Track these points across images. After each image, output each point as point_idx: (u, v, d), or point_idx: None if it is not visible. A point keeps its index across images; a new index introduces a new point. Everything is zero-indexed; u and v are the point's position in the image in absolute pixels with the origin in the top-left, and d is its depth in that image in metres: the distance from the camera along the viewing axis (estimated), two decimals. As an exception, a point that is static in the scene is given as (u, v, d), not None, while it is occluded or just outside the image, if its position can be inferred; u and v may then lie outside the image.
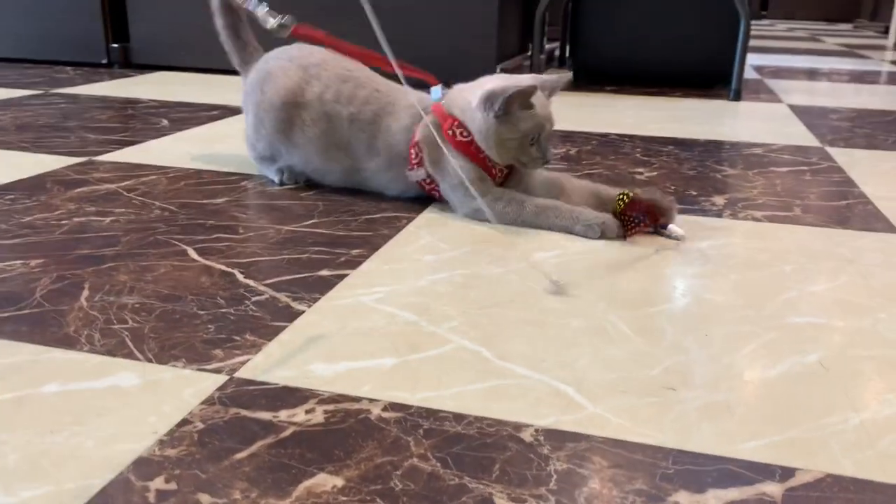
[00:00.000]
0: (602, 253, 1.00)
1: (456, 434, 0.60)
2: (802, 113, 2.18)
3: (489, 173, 1.12)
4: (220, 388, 0.65)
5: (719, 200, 1.27)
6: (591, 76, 2.70)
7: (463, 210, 1.13)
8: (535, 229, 1.09)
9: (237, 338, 0.74)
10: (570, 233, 1.07)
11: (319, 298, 0.84)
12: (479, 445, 0.59)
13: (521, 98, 1.05)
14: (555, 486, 0.54)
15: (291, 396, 0.64)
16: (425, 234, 1.06)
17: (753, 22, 7.53)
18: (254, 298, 0.83)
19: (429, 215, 1.14)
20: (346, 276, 0.90)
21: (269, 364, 0.70)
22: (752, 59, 3.72)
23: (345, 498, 0.52)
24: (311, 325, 0.78)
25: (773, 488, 0.54)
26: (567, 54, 2.80)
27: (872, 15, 6.94)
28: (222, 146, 1.55)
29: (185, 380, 0.67)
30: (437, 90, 1.16)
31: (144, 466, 0.55)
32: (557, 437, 0.60)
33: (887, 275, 0.96)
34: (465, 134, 1.11)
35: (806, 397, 0.67)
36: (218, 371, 0.68)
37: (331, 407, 0.63)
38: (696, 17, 2.48)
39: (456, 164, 1.07)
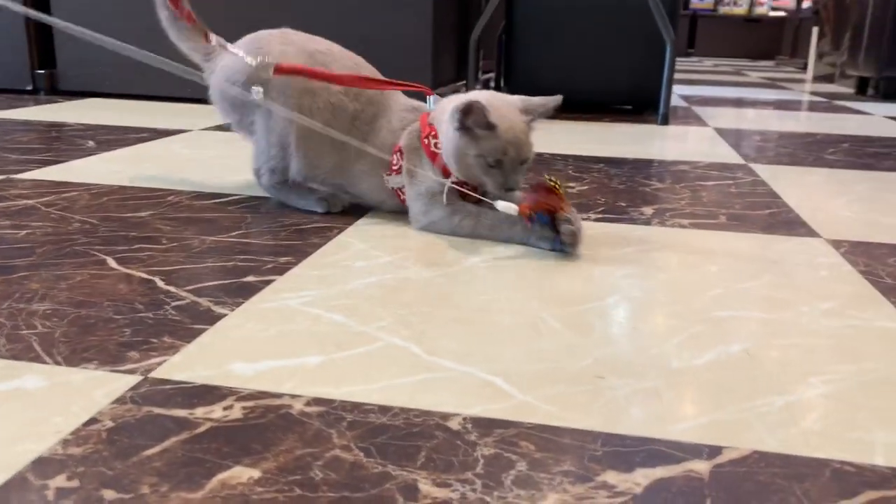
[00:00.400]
0: (533, 257, 1.00)
1: (381, 425, 0.58)
2: (728, 135, 2.25)
3: (459, 187, 1.09)
4: (134, 388, 0.62)
5: (648, 210, 1.29)
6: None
7: (419, 223, 1.10)
8: (477, 239, 1.08)
9: (154, 340, 0.71)
10: (527, 244, 1.05)
11: (243, 303, 0.81)
12: (404, 435, 0.57)
13: (474, 114, 1.00)
14: (481, 470, 0.53)
15: (209, 394, 0.62)
16: (357, 242, 1.05)
17: (681, 59, 7.80)
18: (174, 303, 0.80)
19: (362, 226, 1.13)
20: (272, 281, 0.88)
21: (186, 364, 0.67)
22: (681, 90, 3.85)
23: (261, 489, 0.50)
24: (233, 328, 0.75)
25: (701, 465, 0.54)
26: (502, 83, 2.84)
27: (792, 52, 7.27)
28: (151, 164, 1.51)
29: (96, 381, 0.63)
30: (431, 100, 1.14)
31: (45, 465, 0.51)
32: (485, 425, 0.58)
33: (810, 273, 0.98)
34: (439, 146, 1.08)
35: (732, 383, 0.67)
36: (132, 372, 0.65)
37: (250, 403, 0.61)
38: (624, 46, 2.55)
39: (427, 172, 1.06)
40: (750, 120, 2.69)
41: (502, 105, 1.06)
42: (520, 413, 0.60)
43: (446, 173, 1.09)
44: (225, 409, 0.60)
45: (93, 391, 0.61)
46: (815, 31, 5.21)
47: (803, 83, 4.72)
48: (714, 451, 0.56)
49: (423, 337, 0.74)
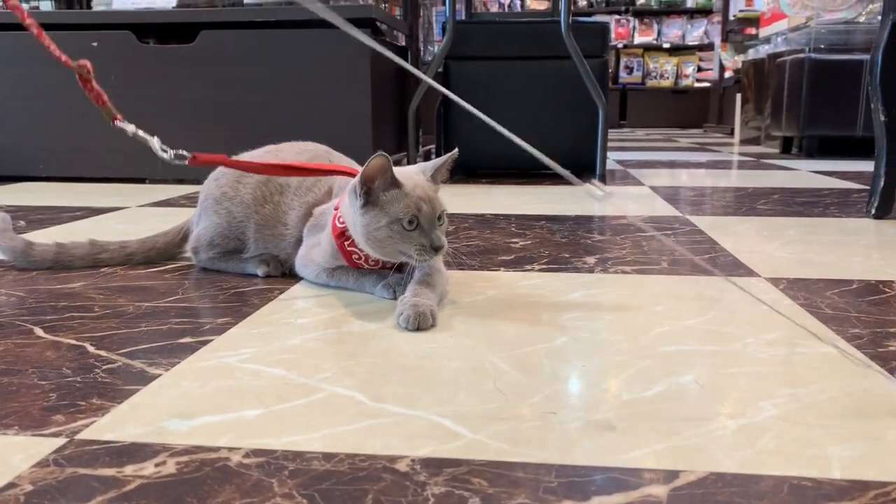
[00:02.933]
0: (480, 308, 0.99)
1: (325, 472, 0.55)
2: (663, 192, 2.31)
3: (349, 261, 1.06)
4: (58, 451, 0.58)
5: (590, 260, 1.30)
6: (467, 172, 2.79)
7: (300, 265, 1.12)
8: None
9: (82, 403, 0.67)
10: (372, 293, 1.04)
11: (179, 363, 0.78)
12: (350, 480, 0.54)
13: (378, 173, 0.94)
14: (432, 508, 0.50)
15: (140, 452, 0.58)
16: (299, 301, 1.02)
17: (614, 130, 8.08)
18: (105, 367, 0.76)
19: (304, 286, 1.10)
20: (210, 341, 0.85)
21: (116, 424, 0.63)
22: (616, 156, 3.96)
23: (195, 542, 0.46)
24: (167, 387, 0.71)
25: (659, 490, 0.52)
26: (443, 153, 2.88)
27: (718, 119, 7.59)
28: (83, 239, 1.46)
29: (15, 446, 0.59)
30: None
31: (-46, 534, 0.47)
32: (435, 465, 0.56)
33: (752, 308, 0.99)
34: (342, 220, 1.03)
35: (684, 410, 0.66)
36: (56, 435, 0.61)
37: (184, 458, 0.57)
38: (559, 114, 2.63)
39: (326, 240, 1.07)
40: (683, 179, 2.77)
41: (399, 169, 1.00)
42: (470, 451, 0.58)
43: (344, 252, 1.05)
44: (157, 465, 0.56)
45: (11, 456, 0.57)
46: (738, 98, 5.47)
47: (731, 146, 4.92)
48: (671, 475, 0.54)
49: (368, 385, 0.72)
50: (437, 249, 0.95)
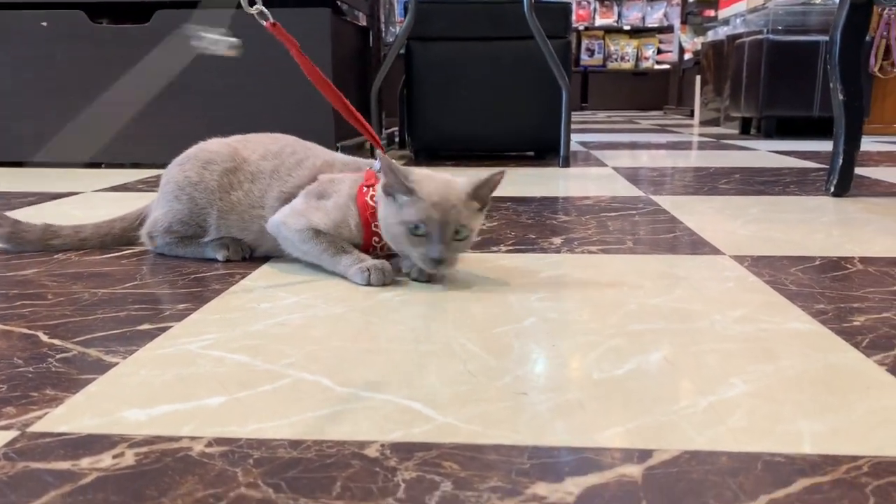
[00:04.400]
0: (448, 290, 0.98)
1: (291, 459, 0.53)
2: (626, 173, 2.31)
3: (367, 242, 1.04)
4: (8, 444, 0.55)
5: (556, 240, 1.29)
6: (430, 154, 2.76)
7: (279, 219, 1.06)
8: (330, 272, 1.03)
9: (34, 394, 0.64)
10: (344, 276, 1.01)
11: (137, 350, 0.75)
12: (318, 467, 0.52)
13: (390, 173, 0.95)
14: (403, 494, 0.48)
15: (96, 443, 0.55)
16: (261, 286, 1.00)
17: (576, 112, 8.11)
18: (59, 356, 0.73)
19: (266, 270, 1.08)
20: (169, 328, 0.82)
21: (71, 415, 0.60)
22: (579, 138, 3.97)
23: (156, 536, 0.44)
24: (125, 375, 0.69)
25: (633, 469, 0.52)
26: (406, 136, 2.85)
27: (678, 101, 7.66)
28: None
29: (-37, 441, 0.56)
30: (378, 155, 1.07)
31: None
32: (405, 449, 0.54)
33: (718, 286, 0.99)
34: (374, 198, 1.02)
35: (655, 389, 0.65)
36: (7, 428, 0.58)
37: (144, 449, 0.55)
38: (523, 96, 2.62)
39: (342, 209, 1.03)
40: (645, 160, 2.78)
41: (435, 175, 1.00)
42: (442, 434, 0.57)
43: (366, 227, 1.03)
44: (115, 457, 0.53)
45: (-41, 451, 0.54)
46: (698, 79, 5.52)
47: (691, 127, 4.96)
48: (644, 454, 0.54)
49: (335, 370, 0.70)
50: (438, 262, 0.94)
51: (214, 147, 1.16)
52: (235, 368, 0.70)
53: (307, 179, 1.10)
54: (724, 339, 0.78)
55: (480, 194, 0.99)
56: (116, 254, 1.17)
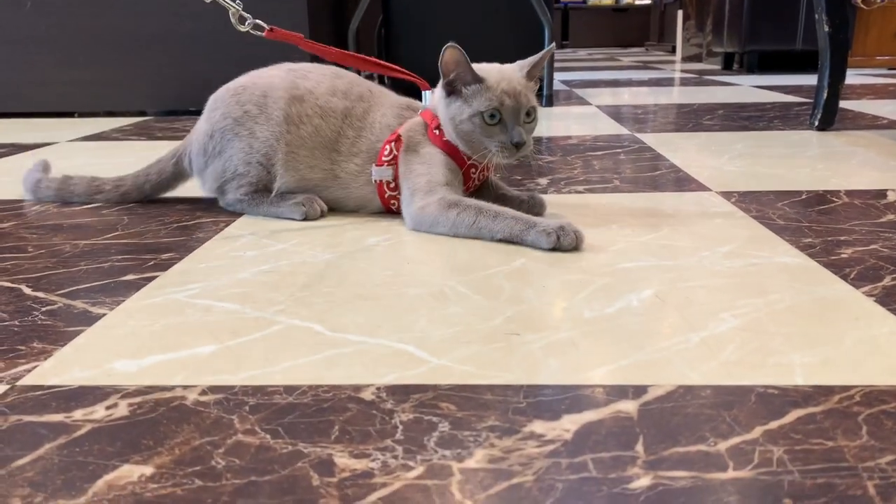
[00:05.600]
0: (437, 236, 0.97)
1: (288, 405, 0.53)
2: (609, 111, 2.29)
3: (466, 178, 1.01)
4: (0, 398, 0.55)
5: (543, 181, 1.28)
6: (410, 93, 2.72)
7: (413, 219, 0.97)
8: (469, 238, 0.93)
9: (22, 347, 0.63)
10: (522, 243, 0.90)
11: (123, 301, 0.74)
12: (314, 412, 0.52)
13: (451, 64, 0.93)
14: (401, 436, 0.49)
15: (89, 395, 0.55)
16: (247, 233, 0.98)
17: (558, 50, 8.00)
18: (44, 309, 0.72)
19: (251, 218, 1.06)
20: (155, 277, 0.81)
21: (61, 368, 0.59)
22: (561, 76, 3.92)
23: (155, 485, 0.44)
24: (113, 326, 0.68)
25: (629, 405, 0.52)
26: (385, 77, 2.80)
27: (660, 37, 7.57)
28: (11, 178, 1.38)
29: (-49, 396, 0.55)
30: (426, 95, 1.06)
31: None
32: (401, 392, 0.54)
33: (706, 222, 0.99)
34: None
35: (646, 325, 0.66)
36: (-4, 382, 0.57)
37: (137, 399, 0.54)
38: (504, 33, 2.57)
39: (433, 157, 0.99)
40: (628, 97, 2.76)
41: (486, 64, 0.99)
42: (436, 376, 0.57)
43: (461, 164, 1.00)
44: (108, 408, 0.53)
45: (-51, 407, 0.53)
46: (679, 14, 5.44)
47: (673, 63, 4.92)
48: (639, 390, 0.54)
49: (326, 315, 0.69)
50: (517, 146, 0.93)
51: (273, 73, 1.07)
52: (224, 317, 0.69)
53: (377, 139, 1.04)
54: (714, 275, 0.78)
55: (533, 73, 0.99)
56: (96, 205, 1.15)
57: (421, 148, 1.01)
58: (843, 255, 0.84)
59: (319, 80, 1.06)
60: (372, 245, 0.92)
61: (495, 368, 0.58)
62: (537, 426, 0.49)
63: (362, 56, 1.10)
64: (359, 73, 1.15)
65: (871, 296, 0.71)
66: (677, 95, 2.78)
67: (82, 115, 2.36)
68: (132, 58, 2.28)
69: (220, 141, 1.05)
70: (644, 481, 0.43)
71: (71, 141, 1.85)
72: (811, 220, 0.98)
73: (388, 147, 1.02)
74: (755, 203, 1.08)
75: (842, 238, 0.90)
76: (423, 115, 1.04)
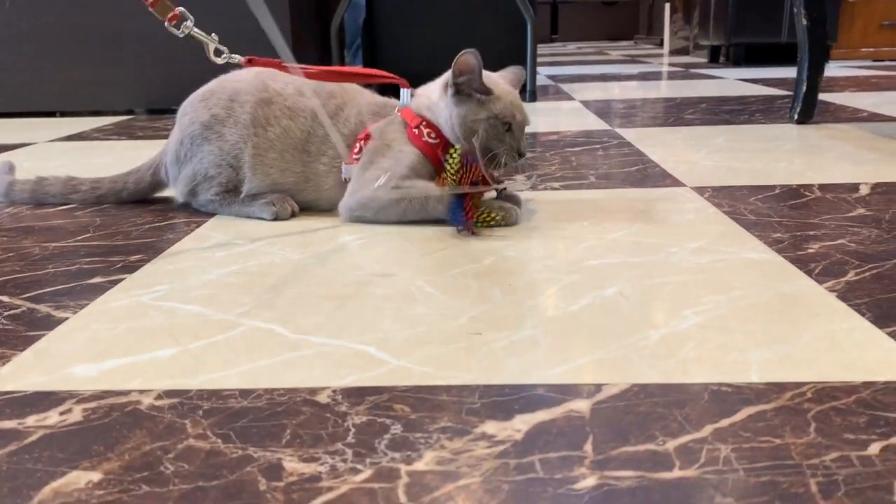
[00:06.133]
0: (411, 233, 0.97)
1: (242, 409, 0.53)
2: (594, 107, 2.29)
3: (441, 181, 0.99)
4: (-48, 406, 0.54)
5: (519, 177, 1.28)
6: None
7: (355, 198, 0.99)
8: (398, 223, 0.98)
9: (-20, 353, 0.63)
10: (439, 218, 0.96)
11: (87, 304, 0.74)
12: (267, 415, 0.52)
13: (466, 69, 0.96)
14: (353, 439, 0.49)
15: (43, 401, 0.55)
16: (217, 234, 0.98)
17: (546, 45, 8.00)
18: (6, 313, 0.72)
19: (222, 219, 1.06)
20: (121, 280, 0.81)
21: (18, 373, 0.59)
22: (547, 71, 3.92)
23: (101, 491, 0.44)
24: (74, 331, 0.68)
25: (581, 404, 0.52)
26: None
27: (648, 31, 7.57)
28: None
29: None
30: (405, 94, 1.06)
31: None
32: (357, 394, 0.54)
33: (677, 218, 0.99)
34: (433, 136, 1.01)
35: (608, 323, 0.66)
36: (-49, 389, 0.57)
37: (92, 404, 0.54)
38: (487, 28, 2.56)
39: (404, 157, 0.99)
40: (614, 92, 2.76)
41: (492, 74, 1.04)
42: (394, 378, 0.57)
43: (437, 165, 1.00)
44: (62, 413, 0.53)
45: None
46: (667, 7, 5.44)
47: (661, 57, 4.92)
48: (594, 389, 0.54)
49: (290, 317, 0.69)
50: (522, 156, 1.00)
51: (241, 77, 1.07)
52: (188, 319, 0.69)
53: (352, 136, 1.04)
54: (680, 272, 0.78)
55: (517, 86, 1.07)
56: (68, 208, 1.14)
57: (395, 145, 1.01)
58: (809, 251, 0.84)
59: (288, 80, 1.06)
60: (342, 245, 0.92)
61: (455, 369, 0.58)
62: (489, 427, 0.49)
63: (341, 69, 1.10)
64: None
65: (834, 291, 0.72)
66: (662, 89, 2.78)
67: (66, 114, 2.35)
68: (117, 56, 2.27)
69: (191, 146, 1.05)
70: (590, 481, 0.43)
71: (50, 141, 1.84)
72: (782, 215, 0.99)
73: (359, 145, 1.02)
74: (728, 198, 1.08)
75: (810, 233, 0.91)
76: (402, 114, 1.04)
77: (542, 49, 6.70)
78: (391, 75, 1.07)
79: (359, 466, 0.46)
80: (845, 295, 0.71)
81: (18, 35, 2.28)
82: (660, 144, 1.56)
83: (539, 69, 4.05)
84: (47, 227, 1.03)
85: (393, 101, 1.09)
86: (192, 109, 1.06)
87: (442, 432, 0.49)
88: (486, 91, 0.98)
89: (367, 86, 1.15)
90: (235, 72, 1.09)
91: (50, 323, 0.69)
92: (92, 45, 2.28)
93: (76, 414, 0.53)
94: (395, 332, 0.65)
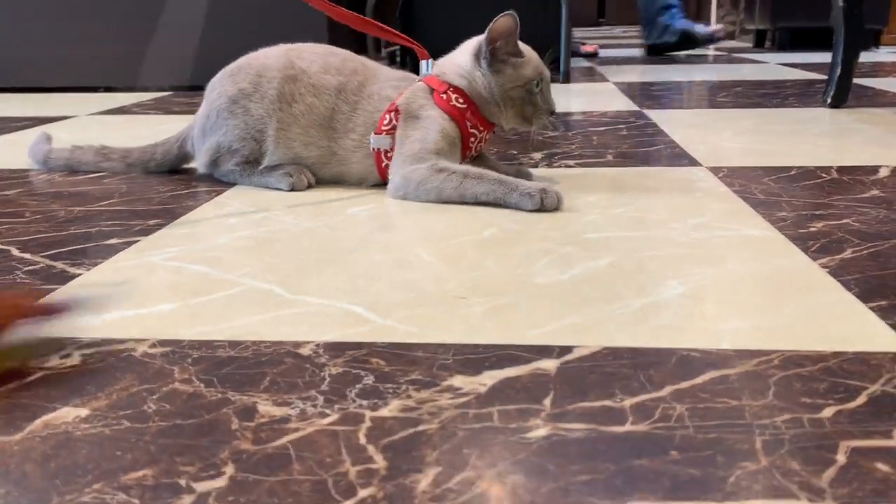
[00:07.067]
0: (424, 207, 0.99)
1: (228, 357, 0.56)
2: (627, 88, 2.28)
3: (465, 146, 1.03)
4: (-35, 347, 0.58)
5: (537, 155, 1.29)
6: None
7: (397, 178, 1.00)
8: (454, 202, 0.97)
9: (-3, 303, 0.67)
10: (506, 204, 0.94)
11: (101, 262, 0.78)
12: (251, 364, 0.55)
13: (505, 33, 1.01)
14: (326, 387, 0.51)
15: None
16: (235, 202, 1.01)
17: (592, 27, 7.90)
18: (26, 269, 0.76)
19: (241, 188, 1.09)
20: (136, 241, 0.85)
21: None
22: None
23: (87, 425, 0.47)
24: (85, 286, 0.71)
25: (549, 363, 0.54)
26: (406, 53, 2.81)
27: (697, 15, 7.43)
28: (26, 148, 1.43)
29: (-76, 345, 0.59)
30: (425, 64, 1.08)
31: None
32: (338, 349, 0.57)
33: (685, 196, 0.99)
34: (461, 101, 1.03)
35: (593, 292, 0.67)
36: (-34, 333, 0.61)
37: (90, 350, 0.58)
38: (524, 9, 2.55)
39: (433, 123, 1.00)
40: (650, 74, 2.73)
41: None
42: (376, 335, 0.59)
43: (463, 130, 1.03)
44: (62, 357, 0.57)
45: (-81, 354, 0.57)
46: (715, -10, 5.33)
47: (706, 42, 4.82)
48: (564, 350, 0.56)
49: (288, 279, 0.72)
50: (553, 113, 1.06)
51: (269, 54, 1.10)
52: (192, 278, 0.73)
53: (376, 110, 1.05)
54: (676, 246, 0.79)
55: None
56: (98, 175, 1.19)
57: (423, 112, 1.03)
58: (811, 229, 0.84)
59: (313, 59, 1.09)
60: (353, 214, 0.94)
61: (435, 329, 0.60)
62: (457, 380, 0.52)
63: (365, 18, 1.12)
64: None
65: (827, 267, 0.72)
66: (700, 73, 2.74)
67: (110, 90, 2.42)
68: (157, 33, 2.33)
69: (217, 119, 1.08)
70: (541, 432, 0.45)
71: (90, 115, 1.90)
72: (792, 195, 0.98)
73: (387, 116, 1.04)
74: (741, 178, 1.08)
75: (817, 213, 0.90)
76: (427, 82, 1.06)
77: (588, 32, 6.63)
78: (411, 40, 1.10)
79: (327, 411, 0.48)
80: (836, 271, 0.71)
81: (64, 11, 2.35)
82: (685, 126, 1.55)
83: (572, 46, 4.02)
84: (76, 193, 1.07)
85: (412, 75, 1.11)
86: (220, 84, 1.10)
87: (411, 384, 0.51)
88: (520, 53, 1.02)
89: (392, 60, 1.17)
90: (263, 49, 1.12)
91: (64, 278, 0.73)
92: (134, 22, 2.34)
93: (75, 358, 0.56)
94: (386, 294, 0.68)
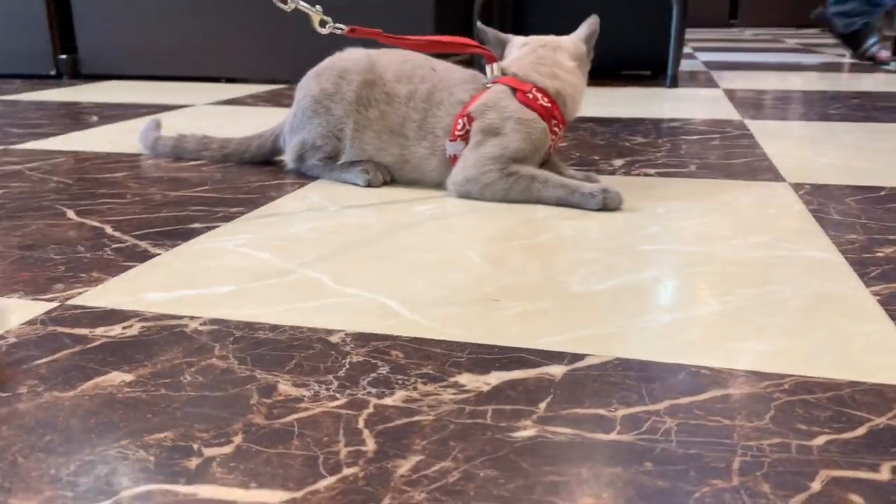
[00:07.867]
0: (486, 207, 1.02)
1: (265, 339, 0.61)
2: (735, 96, 2.21)
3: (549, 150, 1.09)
4: (47, 312, 0.66)
5: (618, 162, 1.29)
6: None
7: (466, 175, 1.04)
8: (520, 202, 1.02)
9: (83, 275, 0.76)
10: (569, 204, 1.00)
11: (180, 244, 0.85)
12: (284, 347, 0.60)
13: (596, 33, 1.18)
14: (343, 373, 0.55)
15: (114, 316, 0.66)
16: (314, 195, 1.08)
17: (721, 29, 7.62)
18: (114, 246, 0.85)
19: (324, 182, 1.15)
20: (216, 227, 0.92)
21: (104, 294, 0.71)
22: (706, 57, 3.77)
23: (128, 389, 0.53)
24: (161, 265, 0.79)
25: (557, 369, 0.56)
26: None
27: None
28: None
29: (16, 307, 0.68)
30: (491, 68, 1.11)
31: (-58, 371, 0.56)
32: (364, 339, 0.61)
33: (757, 212, 0.97)
34: (546, 101, 1.06)
35: (626, 304, 0.68)
36: (52, 300, 0.69)
37: (150, 323, 0.64)
38: (639, 11, 2.52)
39: (518, 129, 1.04)
40: (765, 82, 2.63)
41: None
42: (403, 329, 0.63)
43: (550, 131, 1.07)
44: (124, 328, 0.63)
45: (9, 315, 0.66)
46: (854, -6, 5.03)
47: (840, 47, 4.57)
48: (576, 357, 0.57)
49: (339, 271, 0.77)
50: None
51: (352, 57, 1.16)
52: (255, 264, 0.79)
53: (447, 115, 1.09)
54: (729, 263, 0.78)
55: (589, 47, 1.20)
56: (200, 163, 1.29)
57: (506, 113, 1.05)
58: (877, 254, 0.81)
59: (388, 65, 1.14)
60: (416, 213, 0.98)
61: (459, 328, 0.63)
62: (464, 378, 0.54)
63: (437, 39, 1.16)
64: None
65: (878, 295, 0.69)
66: (819, 82, 2.61)
67: (232, 80, 2.58)
68: (279, 26, 2.46)
69: (302, 118, 1.15)
70: (528, 433, 0.47)
71: (207, 104, 2.04)
72: (870, 217, 0.94)
73: (460, 121, 1.08)
74: (822, 196, 1.04)
75: (890, 237, 0.86)
76: (505, 83, 1.08)
77: (713, 34, 6.41)
78: (480, 46, 1.13)
79: (337, 395, 0.52)
80: (888, 299, 0.68)
81: (188, 4, 2.52)
82: (782, 138, 1.50)
83: (697, 54, 3.91)
84: (175, 178, 1.17)
85: (480, 75, 1.13)
86: (306, 84, 1.17)
87: (420, 377, 0.55)
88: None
89: (468, 62, 1.20)
90: (350, 49, 1.18)
91: (144, 257, 0.81)
92: (254, 15, 2.48)
93: (134, 329, 0.63)
94: (424, 291, 0.71)
